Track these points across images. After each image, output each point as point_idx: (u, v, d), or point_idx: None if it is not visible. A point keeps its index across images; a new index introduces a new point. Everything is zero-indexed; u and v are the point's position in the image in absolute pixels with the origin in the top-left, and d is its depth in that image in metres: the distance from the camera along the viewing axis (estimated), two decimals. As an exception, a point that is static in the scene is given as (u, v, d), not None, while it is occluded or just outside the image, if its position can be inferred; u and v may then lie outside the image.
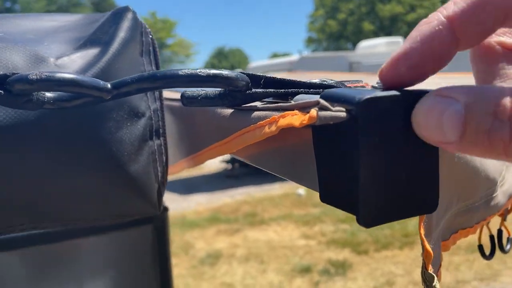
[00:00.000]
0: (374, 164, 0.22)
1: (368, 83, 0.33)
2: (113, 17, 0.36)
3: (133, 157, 0.35)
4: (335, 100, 0.22)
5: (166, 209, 0.66)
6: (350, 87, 0.30)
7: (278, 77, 0.27)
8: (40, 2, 30.59)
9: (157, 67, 0.39)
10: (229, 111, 0.31)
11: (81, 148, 0.33)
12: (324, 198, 0.25)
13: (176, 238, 3.96)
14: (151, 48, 0.38)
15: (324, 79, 0.30)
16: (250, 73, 0.27)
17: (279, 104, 0.26)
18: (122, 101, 0.34)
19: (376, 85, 0.24)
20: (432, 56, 0.23)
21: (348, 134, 0.22)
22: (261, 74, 0.27)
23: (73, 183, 0.34)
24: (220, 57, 38.10)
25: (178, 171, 0.46)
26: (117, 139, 0.34)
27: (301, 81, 0.27)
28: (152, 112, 0.37)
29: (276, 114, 0.25)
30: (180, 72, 0.25)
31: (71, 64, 0.32)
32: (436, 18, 0.23)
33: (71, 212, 0.36)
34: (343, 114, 0.21)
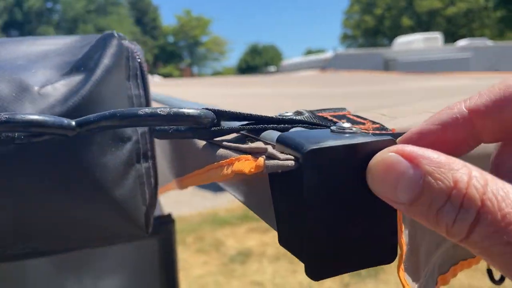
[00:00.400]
0: (322, 214, 0.21)
1: (350, 112, 0.32)
2: (99, 43, 0.36)
3: (118, 182, 0.36)
4: (287, 145, 0.21)
5: (172, 221, 0.66)
6: (326, 118, 0.29)
7: (245, 112, 0.27)
8: (80, 2, 31.52)
9: (145, 90, 0.39)
10: (203, 142, 0.31)
11: (64, 175, 0.33)
12: (281, 241, 0.24)
13: (207, 236, 4.00)
14: (138, 72, 0.38)
15: (301, 111, 0.29)
16: (217, 108, 0.26)
17: (238, 145, 0.26)
18: (106, 127, 0.34)
19: (351, 128, 0.23)
20: (446, 142, 0.23)
21: (297, 182, 0.21)
22: (227, 110, 0.27)
23: (58, 208, 0.34)
24: (254, 54, 38.13)
25: (172, 189, 0.46)
26: (100, 165, 0.34)
27: (268, 116, 0.27)
28: (139, 135, 0.38)
29: (235, 156, 0.24)
30: (139, 112, 0.25)
31: (54, 92, 0.33)
32: (458, 107, 0.23)
33: (59, 234, 0.37)
34: (291, 163, 0.20)
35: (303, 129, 0.26)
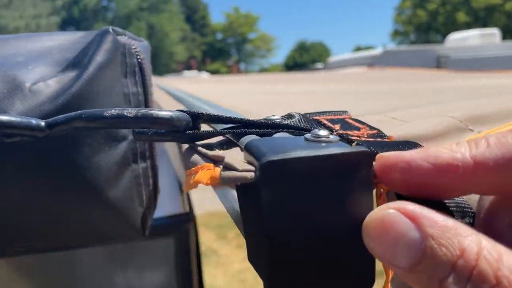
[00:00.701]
0: (284, 234, 0.18)
1: (350, 115, 0.29)
2: (95, 39, 0.35)
3: (112, 182, 0.35)
4: (251, 153, 0.19)
5: (191, 219, 0.65)
6: (320, 122, 0.26)
7: (226, 115, 0.25)
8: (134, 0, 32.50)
9: (144, 88, 0.38)
10: (186, 146, 0.29)
11: (55, 175, 0.33)
12: (249, 258, 0.22)
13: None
14: (137, 69, 0.37)
15: (293, 113, 0.26)
16: (193, 111, 0.24)
17: (206, 151, 0.24)
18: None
19: (327, 136, 0.20)
20: (432, 186, 0.19)
21: (257, 197, 0.18)
22: (204, 112, 0.25)
23: (52, 210, 0.34)
24: (302, 50, 37.89)
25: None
26: (92, 165, 0.33)
27: (250, 120, 0.24)
28: (136, 135, 0.36)
29: (202, 163, 0.22)
30: (105, 113, 0.23)
31: (45, 89, 0.32)
32: (462, 153, 0.19)
33: (55, 235, 0.36)
34: (250, 175, 0.18)
35: (286, 135, 0.24)
